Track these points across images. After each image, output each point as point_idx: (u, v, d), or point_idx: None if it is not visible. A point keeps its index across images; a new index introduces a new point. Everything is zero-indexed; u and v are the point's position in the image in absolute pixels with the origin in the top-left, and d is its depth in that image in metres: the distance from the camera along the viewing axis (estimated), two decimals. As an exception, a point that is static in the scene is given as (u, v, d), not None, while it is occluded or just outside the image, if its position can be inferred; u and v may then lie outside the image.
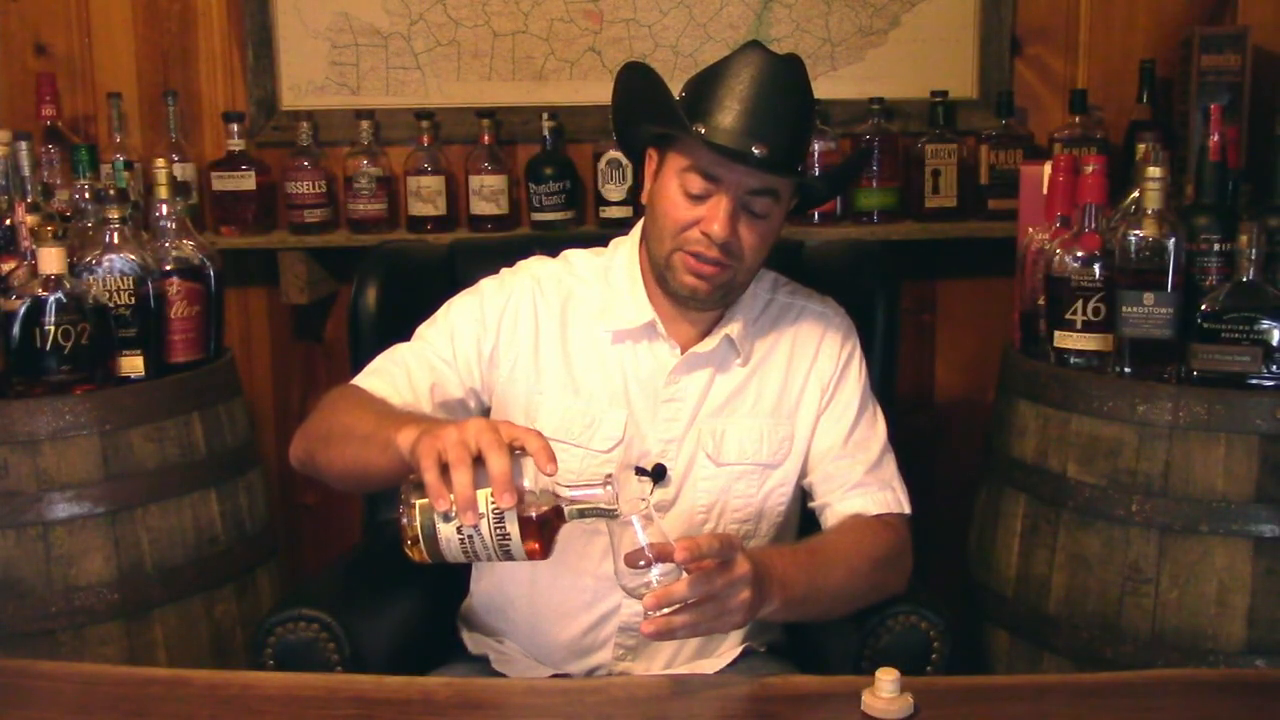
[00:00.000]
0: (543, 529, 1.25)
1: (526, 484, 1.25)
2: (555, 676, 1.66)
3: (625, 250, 1.70)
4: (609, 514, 1.27)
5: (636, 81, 1.62)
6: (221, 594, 2.04)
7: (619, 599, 1.61)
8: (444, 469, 1.22)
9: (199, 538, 2.01)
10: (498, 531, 1.23)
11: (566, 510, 1.27)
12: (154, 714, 1.30)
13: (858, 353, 1.72)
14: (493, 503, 1.22)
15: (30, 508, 1.85)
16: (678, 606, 1.29)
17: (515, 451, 1.24)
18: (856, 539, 1.59)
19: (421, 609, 1.80)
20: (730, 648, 1.70)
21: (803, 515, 1.74)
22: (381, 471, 1.37)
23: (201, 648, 2.00)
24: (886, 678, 1.22)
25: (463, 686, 1.38)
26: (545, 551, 1.27)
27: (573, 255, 1.73)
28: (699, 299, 1.60)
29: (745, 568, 1.34)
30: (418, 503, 1.25)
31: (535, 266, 1.72)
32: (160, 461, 1.96)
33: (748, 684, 1.41)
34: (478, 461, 1.22)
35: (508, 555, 1.25)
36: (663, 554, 1.27)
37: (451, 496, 1.21)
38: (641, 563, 1.27)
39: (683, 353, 1.65)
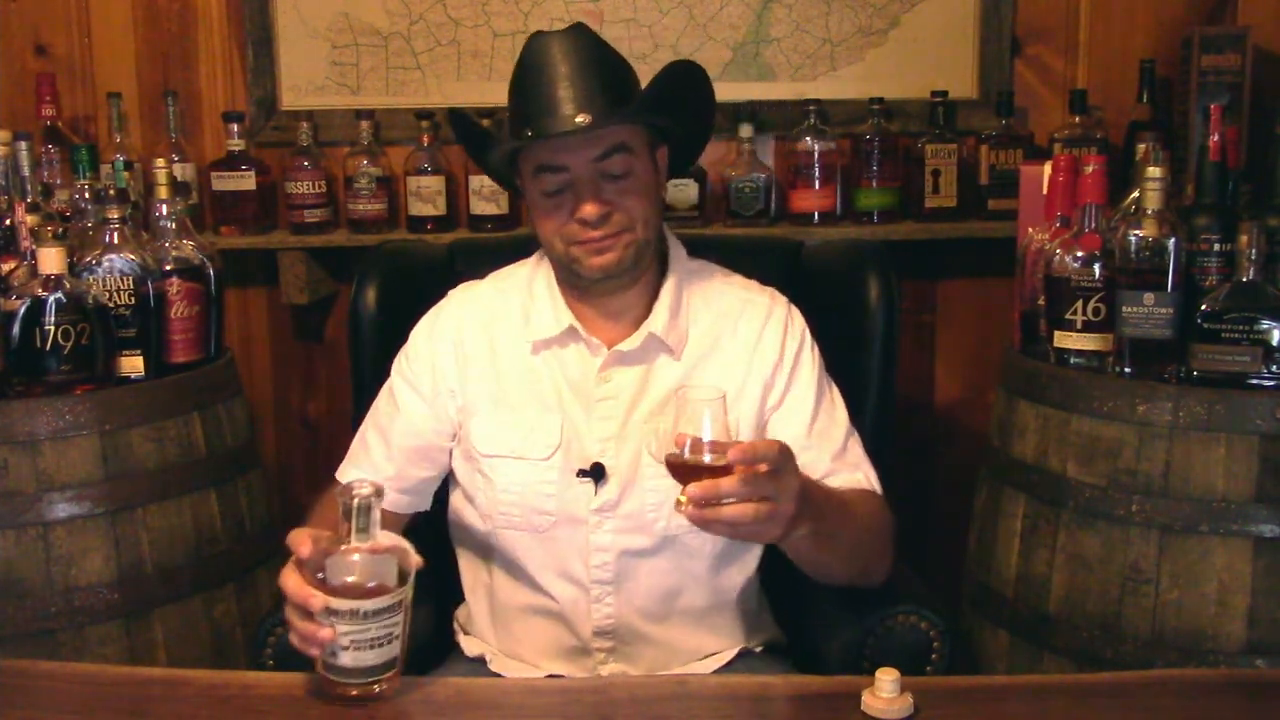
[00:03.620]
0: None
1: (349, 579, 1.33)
2: (552, 677, 1.66)
3: (548, 259, 1.70)
4: None
5: (465, 131, 1.73)
6: (221, 594, 2.04)
7: (588, 604, 1.62)
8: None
9: (199, 538, 2.01)
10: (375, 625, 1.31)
11: None
12: (154, 714, 1.30)
13: (807, 340, 1.70)
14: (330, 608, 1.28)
15: (30, 508, 1.85)
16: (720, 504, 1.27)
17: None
18: (859, 499, 1.59)
19: (421, 610, 1.79)
20: (727, 648, 1.69)
21: None
22: None
23: (201, 648, 2.00)
24: (886, 678, 1.21)
25: (462, 687, 1.38)
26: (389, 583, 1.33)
27: (500, 273, 1.76)
28: (614, 273, 1.60)
29: (798, 480, 1.33)
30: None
31: (460, 296, 1.74)
32: (160, 461, 1.96)
33: (748, 684, 1.41)
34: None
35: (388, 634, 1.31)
36: (716, 449, 1.26)
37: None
38: (689, 450, 1.26)
39: (609, 349, 1.65)
